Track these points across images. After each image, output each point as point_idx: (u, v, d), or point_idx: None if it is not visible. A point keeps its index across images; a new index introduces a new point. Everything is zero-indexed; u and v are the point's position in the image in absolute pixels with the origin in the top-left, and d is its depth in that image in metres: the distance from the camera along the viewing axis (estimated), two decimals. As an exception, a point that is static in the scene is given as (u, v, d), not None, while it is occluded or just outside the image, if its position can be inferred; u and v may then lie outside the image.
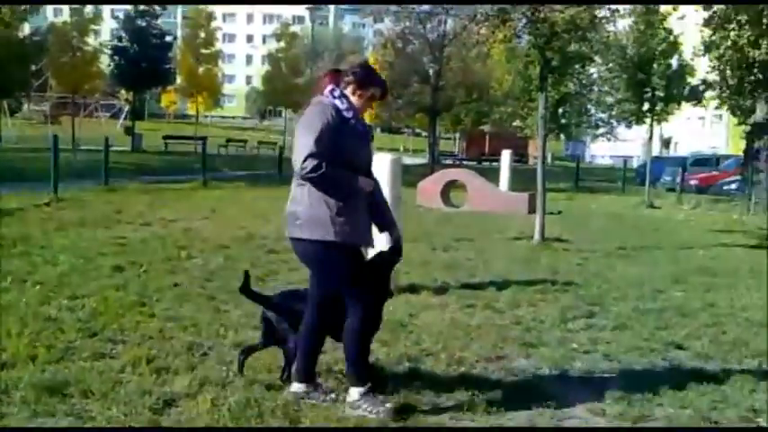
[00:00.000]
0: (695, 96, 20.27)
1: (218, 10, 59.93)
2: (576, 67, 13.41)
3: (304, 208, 3.83)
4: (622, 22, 17.99)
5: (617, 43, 17.94)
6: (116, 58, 45.07)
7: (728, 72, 22.23)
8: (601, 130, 42.06)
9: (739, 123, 27.03)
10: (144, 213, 12.55)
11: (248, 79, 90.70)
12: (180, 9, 75.45)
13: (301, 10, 63.19)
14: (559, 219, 15.30)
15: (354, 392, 3.91)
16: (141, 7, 45.50)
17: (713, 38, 20.62)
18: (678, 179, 24.80)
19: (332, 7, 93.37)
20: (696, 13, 22.14)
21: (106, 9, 55.76)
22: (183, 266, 7.91)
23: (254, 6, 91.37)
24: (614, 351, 5.43)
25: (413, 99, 40.73)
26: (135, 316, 5.66)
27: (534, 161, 23.82)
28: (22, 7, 28.60)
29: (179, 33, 59.51)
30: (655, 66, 19.21)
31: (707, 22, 20.61)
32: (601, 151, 66.04)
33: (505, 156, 20.40)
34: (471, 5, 11.09)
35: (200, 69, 49.66)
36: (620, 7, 11.54)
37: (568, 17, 9.67)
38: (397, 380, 4.46)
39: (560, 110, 27.95)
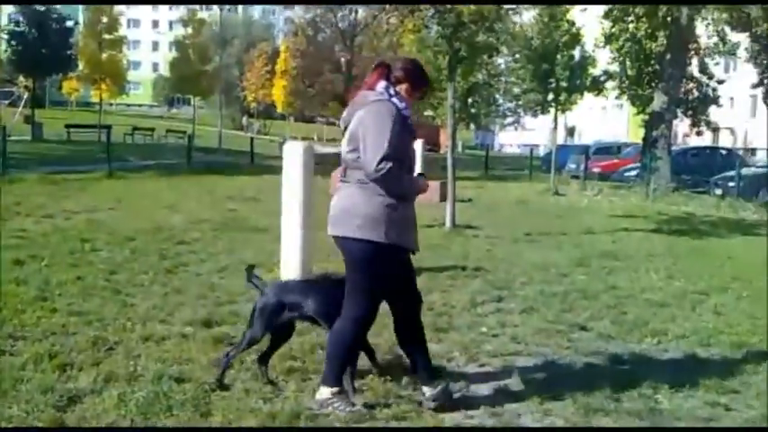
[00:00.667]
0: (597, 87, 21.00)
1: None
2: (484, 57, 13.65)
3: (365, 208, 3.74)
4: (527, 14, 18.47)
5: (522, 34, 18.38)
6: (13, 43, 42.90)
7: (628, 63, 23.19)
8: (508, 120, 43.07)
9: (638, 112, 28.26)
10: (45, 205, 12.03)
11: (155, 66, 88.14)
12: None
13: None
14: (470, 206, 15.59)
15: (327, 391, 3.86)
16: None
17: (613, 30, 21.45)
18: (582, 167, 25.66)
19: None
20: (597, 6, 22.94)
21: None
22: (87, 259, 7.64)
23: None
24: (522, 334, 5.59)
25: (325, 88, 40.66)
26: (36, 311, 5.43)
27: (446, 150, 24.24)
28: None
29: (80, 18, 57.14)
30: (558, 57, 19.77)
31: (607, 15, 21.42)
32: (509, 140, 67.75)
33: (418, 144, 20.59)
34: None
35: (104, 55, 47.83)
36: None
37: (474, 8, 9.83)
38: (318, 371, 4.45)
39: (469, 100, 28.46)
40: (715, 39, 20.78)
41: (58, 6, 45.25)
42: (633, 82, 24.72)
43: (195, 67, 51.28)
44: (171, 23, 79.75)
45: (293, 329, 4.40)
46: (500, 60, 33.65)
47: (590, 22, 22.20)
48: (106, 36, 47.94)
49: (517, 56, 20.41)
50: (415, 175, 3.92)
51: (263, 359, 4.25)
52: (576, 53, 20.06)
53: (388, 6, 10.92)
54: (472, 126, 51.21)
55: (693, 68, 27.34)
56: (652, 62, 22.83)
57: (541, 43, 19.58)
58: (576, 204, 17.97)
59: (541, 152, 40.59)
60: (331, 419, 3.74)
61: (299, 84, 43.21)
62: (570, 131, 62.74)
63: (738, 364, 5.00)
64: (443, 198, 13.30)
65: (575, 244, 10.58)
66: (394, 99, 3.84)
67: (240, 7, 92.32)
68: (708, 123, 29.68)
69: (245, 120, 72.78)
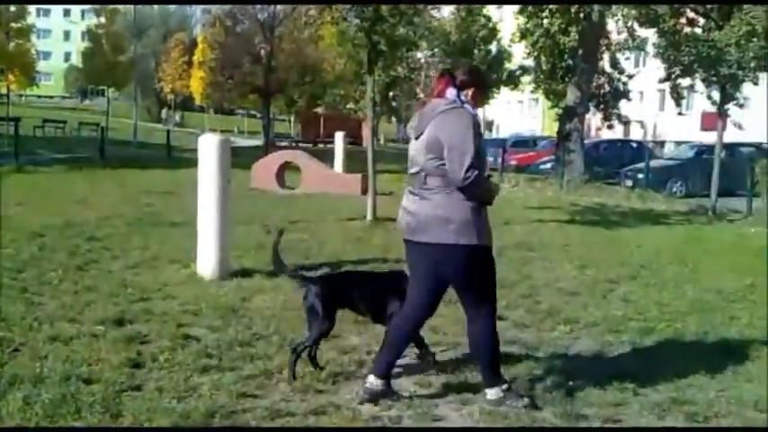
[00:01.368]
0: (513, 81, 21.43)
1: (29, -20, 55.32)
2: (404, 51, 13.72)
3: (458, 214, 3.82)
4: (446, 9, 18.67)
5: (441, 29, 18.58)
6: None
7: (542, 58, 23.72)
8: (430, 113, 43.29)
9: (553, 106, 28.97)
10: (-55, 201, 11.43)
11: (66, 56, 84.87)
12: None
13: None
14: (391, 199, 15.63)
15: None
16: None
17: (528, 26, 21.90)
18: (499, 160, 26.16)
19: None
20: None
21: None
22: (-9, 258, 7.30)
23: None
24: (441, 324, 5.63)
25: (245, 80, 39.97)
26: (-66, 313, 5.16)
27: (368, 143, 24.20)
28: None
29: (-16, 6, 54.39)
30: (476, 52, 20.09)
31: (522, 11, 21.87)
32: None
33: (339, 138, 20.57)
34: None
35: (11, 45, 45.69)
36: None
37: (392, 2, 9.85)
38: (234, 368, 4.38)
39: (390, 93, 28.52)
40: (625, 34, 21.52)
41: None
42: (547, 76, 25.31)
43: (109, 58, 49.58)
44: (83, 12, 76.92)
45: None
46: (420, 55, 34.01)
47: (506, 18, 22.62)
48: (13, 24, 45.80)
49: (436, 50, 20.61)
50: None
51: (311, 351, 4.40)
52: (493, 48, 20.43)
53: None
54: (394, 119, 51.48)
55: (605, 63, 28.22)
56: (565, 57, 23.45)
57: (459, 38, 19.85)
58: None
59: (461, 145, 41.10)
60: (247, 417, 3.69)
61: (217, 75, 42.25)
62: (489, 125, 63.91)
63: (647, 349, 5.20)
64: (365, 191, 13.33)
65: (494, 235, 10.75)
66: (466, 105, 3.93)
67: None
68: (619, 117, 30.70)
69: (164, 112, 71.01)
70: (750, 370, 4.73)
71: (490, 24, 20.21)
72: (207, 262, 6.92)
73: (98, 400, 3.69)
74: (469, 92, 3.97)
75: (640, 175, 21.47)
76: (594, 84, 26.55)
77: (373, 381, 3.98)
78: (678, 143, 35.55)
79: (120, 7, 56.69)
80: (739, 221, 14.37)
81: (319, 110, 53.43)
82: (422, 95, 38.27)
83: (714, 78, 15.43)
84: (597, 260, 8.85)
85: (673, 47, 16.12)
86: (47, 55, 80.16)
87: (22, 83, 50.79)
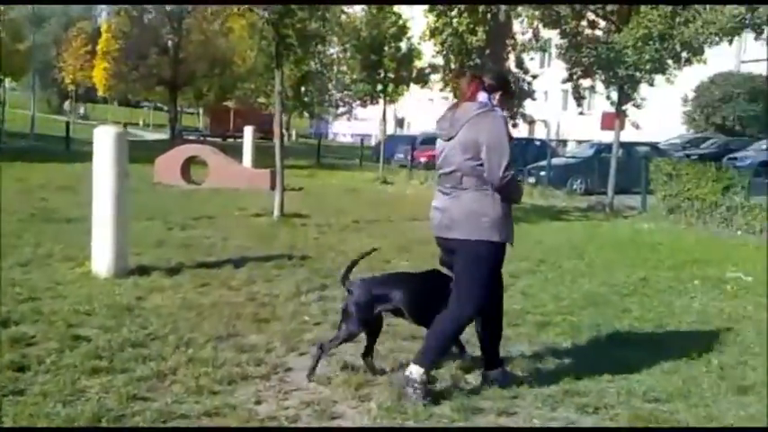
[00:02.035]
0: (423, 79, 21.62)
1: None
2: (317, 46, 13.61)
3: (492, 211, 4.04)
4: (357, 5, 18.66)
5: (351, 25, 18.55)
6: None
7: (451, 57, 23.97)
8: (341, 110, 43.31)
9: (461, 105, 29.39)
10: None
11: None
12: None
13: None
14: (300, 195, 15.56)
15: (417, 370, 4.02)
16: None
17: (437, 24, 22.10)
18: (409, 157, 26.40)
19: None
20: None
21: None
22: None
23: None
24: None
25: (151, 71, 38.85)
26: None
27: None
28: None
29: None
30: (386, 48, 20.15)
31: (431, 9, 22.04)
32: (343, 130, 68.36)
33: (248, 132, 20.25)
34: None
35: None
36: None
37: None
38: (125, 370, 4.22)
39: (302, 88, 28.25)
40: (529, 35, 22.06)
41: None
42: (456, 75, 25.63)
43: (6, 46, 47.15)
44: (-24, -3, 72.78)
45: (383, 321, 4.52)
46: (332, 50, 33.86)
47: (416, 16, 22.79)
48: None
49: (347, 46, 20.57)
50: None
51: (367, 353, 4.44)
52: (403, 45, 20.54)
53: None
54: (306, 115, 51.13)
55: (511, 63, 28.86)
56: (473, 56, 23.80)
57: (369, 34, 19.86)
58: (402, 193, 18.46)
59: (373, 142, 41.33)
60: (137, 420, 3.56)
61: (121, 66, 40.85)
62: (400, 122, 64.39)
63: (542, 342, 5.33)
64: (274, 186, 13.17)
65: (400, 231, 10.84)
66: (498, 110, 4.12)
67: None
68: (524, 116, 31.49)
69: (66, 104, 68.08)
70: (639, 361, 4.92)
71: (400, 22, 20.30)
72: (102, 259, 6.66)
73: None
74: (497, 95, 4.18)
75: (543, 173, 22.08)
76: (501, 83, 27.10)
77: (414, 369, 4.02)
78: (579, 142, 36.82)
79: (17, -8, 54.00)
80: (634, 217, 14.98)
81: (229, 104, 52.49)
82: (334, 92, 38.19)
83: (613, 79, 16.02)
84: (500, 255, 9.02)
85: (574, 48, 16.65)
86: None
87: None
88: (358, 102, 23.60)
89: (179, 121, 45.57)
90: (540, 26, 19.63)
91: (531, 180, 22.09)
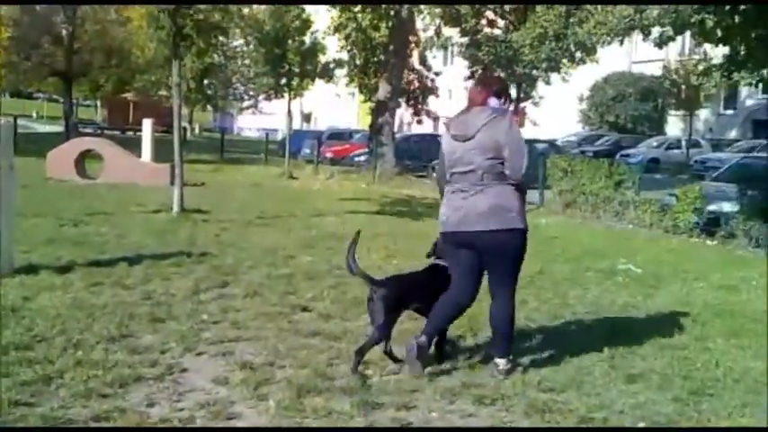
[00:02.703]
0: (327, 73, 21.57)
1: None
2: (219, 38, 13.29)
3: (516, 204, 4.45)
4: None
5: (254, 17, 18.26)
6: None
7: (356, 52, 24.06)
8: (246, 103, 42.62)
9: (366, 100, 29.55)
10: None
11: None
12: None
13: None
14: (202, 190, 15.22)
15: (504, 362, 4.51)
16: None
17: (341, 19, 22.12)
18: (315, 152, 26.27)
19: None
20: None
21: None
22: None
23: None
24: (243, 318, 5.53)
25: (44, 61, 37.03)
26: None
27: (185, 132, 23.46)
28: None
29: None
30: (290, 42, 19.96)
31: (334, 4, 22.06)
32: (248, 124, 67.37)
33: (147, 125, 19.59)
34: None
35: None
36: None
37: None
38: (8, 374, 3.98)
39: (205, 81, 27.62)
40: (431, 33, 22.42)
41: None
42: (361, 71, 25.74)
43: None
44: None
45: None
46: (236, 43, 33.24)
47: (320, 10, 22.70)
48: None
49: (250, 38, 20.22)
50: None
51: (386, 347, 4.60)
52: (308, 39, 20.38)
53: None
54: (210, 108, 50.06)
55: (414, 60, 29.22)
56: (377, 52, 23.97)
57: (273, 27, 19.60)
58: (308, 188, 18.35)
59: (279, 137, 40.88)
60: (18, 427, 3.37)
61: (12, 56, 38.77)
62: (307, 117, 64.04)
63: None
64: (174, 182, 12.80)
65: (304, 226, 10.76)
66: (509, 111, 4.62)
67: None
68: (428, 113, 32.00)
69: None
70: (535, 351, 5.05)
71: (304, 15, 20.14)
72: (-16, 258, 6.29)
73: None
74: (501, 100, 4.61)
75: (447, 169, 22.36)
76: (405, 80, 27.41)
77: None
78: (483, 138, 37.58)
79: None
80: (532, 212, 15.40)
81: (128, 96, 50.77)
82: (238, 85, 37.52)
83: (512, 77, 16.46)
84: (403, 250, 9.10)
85: (474, 46, 16.99)
86: None
87: None
88: (263, 95, 23.28)
89: (75, 113, 43.66)
90: (442, 24, 19.96)
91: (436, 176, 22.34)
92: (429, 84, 31.02)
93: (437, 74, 31.44)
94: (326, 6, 22.53)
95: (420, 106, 31.32)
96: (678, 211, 12.52)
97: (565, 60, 16.45)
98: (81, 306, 5.51)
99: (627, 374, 4.64)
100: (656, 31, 10.54)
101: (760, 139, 32.88)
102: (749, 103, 38.64)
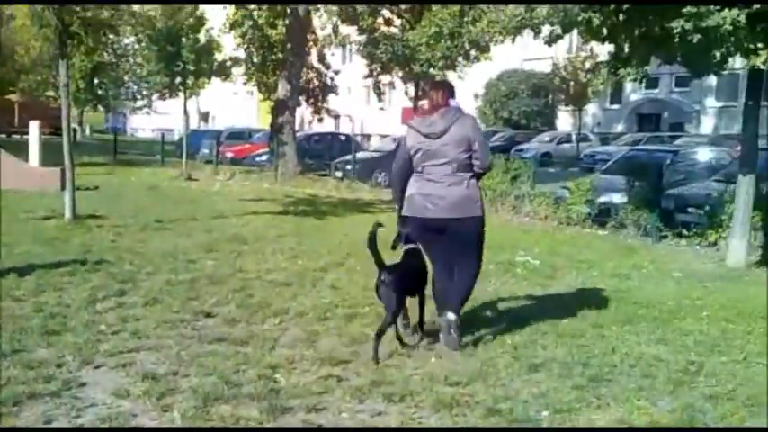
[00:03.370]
0: (224, 72, 21.15)
1: None
2: (110, 36, 12.79)
3: (477, 194, 5.16)
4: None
5: (145, 14, 17.65)
6: None
7: (253, 50, 23.70)
8: (140, 103, 41.28)
9: (265, 99, 29.22)
10: None
11: None
12: None
13: None
14: (96, 194, 14.64)
15: (453, 316, 5.06)
16: None
17: (236, 16, 21.73)
18: (214, 152, 25.75)
19: None
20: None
21: None
22: None
23: None
24: (144, 327, 5.36)
25: None
26: None
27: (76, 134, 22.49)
28: None
29: None
30: (183, 40, 19.45)
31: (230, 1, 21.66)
32: (142, 124, 65.30)
33: (34, 127, 18.63)
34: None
35: None
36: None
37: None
38: None
39: (95, 80, 26.52)
40: (329, 31, 22.37)
41: None
42: (259, 69, 25.40)
43: None
44: None
45: None
46: (127, 40, 32.11)
47: (215, 7, 22.22)
48: None
49: (141, 36, 19.54)
50: None
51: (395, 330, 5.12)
52: (202, 37, 19.91)
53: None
54: (101, 109, 48.14)
55: (313, 58, 29.10)
56: (275, 50, 23.71)
57: (165, 25, 19.04)
58: (208, 189, 17.96)
59: (175, 137, 39.80)
60: None
61: None
62: (204, 116, 62.66)
63: (350, 334, 5.40)
64: (64, 186, 12.24)
65: (205, 229, 10.53)
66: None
67: None
68: (328, 111, 31.95)
69: None
70: (443, 346, 5.12)
71: (198, 12, 19.65)
72: None
73: None
74: (456, 100, 5.19)
75: (349, 167, 22.46)
76: (304, 78, 27.26)
77: (451, 315, 5.06)
78: (383, 136, 37.95)
79: None
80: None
81: (13, 97, 48.14)
82: (130, 84, 36.24)
83: (409, 75, 16.65)
84: (308, 250, 9.06)
85: (372, 45, 17.08)
86: None
87: None
88: (157, 95, 22.59)
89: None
90: (339, 22, 19.96)
91: (338, 174, 22.37)
92: (328, 82, 30.99)
93: (336, 72, 31.45)
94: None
95: (320, 104, 31.25)
96: (571, 204, 13.01)
97: (460, 58, 16.81)
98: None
99: (530, 364, 4.78)
100: (545, 29, 10.91)
101: (644, 133, 34.68)
102: (633, 98, 40.68)
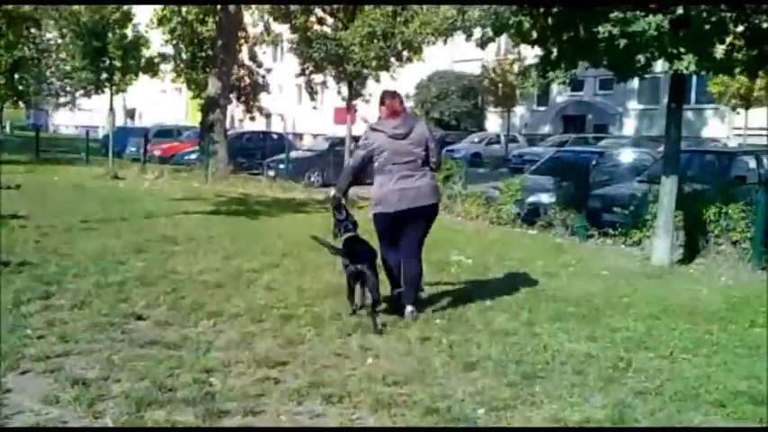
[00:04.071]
0: (152, 68, 20.66)
1: None
2: (32, 30, 12.32)
3: (435, 184, 6.19)
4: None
5: (69, 9, 17.09)
6: None
7: (182, 47, 23.24)
8: (62, 99, 39.95)
9: (195, 96, 28.70)
10: None
11: None
12: None
13: None
14: (18, 193, 14.12)
15: (412, 309, 5.94)
16: None
17: (165, 12, 21.24)
18: (141, 150, 25.16)
19: None
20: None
21: None
22: None
23: None
24: (72, 331, 5.20)
25: None
26: None
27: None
28: None
29: None
30: (110, 35, 18.91)
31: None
32: (65, 121, 63.27)
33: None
34: None
35: None
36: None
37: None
38: None
39: (16, 75, 25.56)
40: (261, 28, 22.11)
41: None
42: (188, 66, 24.93)
43: None
44: None
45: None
46: (50, 35, 31.00)
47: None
48: None
49: (65, 31, 18.87)
50: None
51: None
52: (129, 32, 19.38)
53: None
54: (22, 105, 46.41)
55: (244, 56, 28.73)
56: (205, 47, 23.31)
57: (90, 19, 18.45)
58: (136, 188, 17.54)
59: (100, 134, 38.72)
60: None
61: None
62: (130, 113, 61.11)
63: (286, 335, 5.35)
64: (-18, 186, 11.77)
65: (134, 229, 10.28)
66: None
67: None
68: (260, 109, 31.61)
69: None
70: (378, 346, 5.14)
71: (124, 7, 19.11)
72: None
73: None
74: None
75: (281, 166, 22.27)
76: (235, 76, 26.90)
77: (411, 308, 5.94)
78: (315, 135, 37.78)
79: None
80: (363, 209, 15.64)
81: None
82: (53, 80, 34.85)
83: (342, 75, 16.62)
84: (242, 250, 8.95)
85: (305, 43, 16.98)
86: None
87: None
88: (81, 91, 21.87)
89: None
90: (271, 20, 19.75)
91: (271, 173, 22.16)
92: (260, 80, 30.68)
93: (268, 70, 31.16)
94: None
95: (252, 102, 30.89)
96: (501, 203, 13.22)
97: (393, 59, 16.90)
98: None
99: (465, 363, 4.85)
100: (477, 32, 11.07)
101: (569, 134, 35.57)
102: (559, 100, 41.63)
